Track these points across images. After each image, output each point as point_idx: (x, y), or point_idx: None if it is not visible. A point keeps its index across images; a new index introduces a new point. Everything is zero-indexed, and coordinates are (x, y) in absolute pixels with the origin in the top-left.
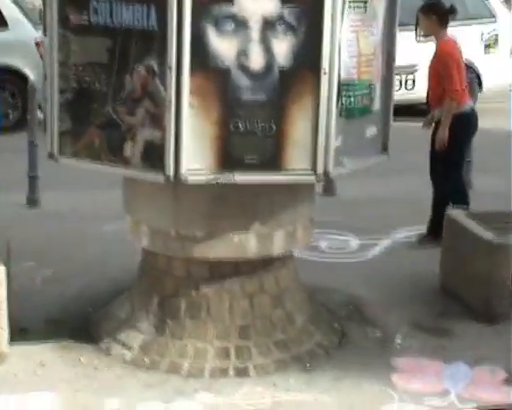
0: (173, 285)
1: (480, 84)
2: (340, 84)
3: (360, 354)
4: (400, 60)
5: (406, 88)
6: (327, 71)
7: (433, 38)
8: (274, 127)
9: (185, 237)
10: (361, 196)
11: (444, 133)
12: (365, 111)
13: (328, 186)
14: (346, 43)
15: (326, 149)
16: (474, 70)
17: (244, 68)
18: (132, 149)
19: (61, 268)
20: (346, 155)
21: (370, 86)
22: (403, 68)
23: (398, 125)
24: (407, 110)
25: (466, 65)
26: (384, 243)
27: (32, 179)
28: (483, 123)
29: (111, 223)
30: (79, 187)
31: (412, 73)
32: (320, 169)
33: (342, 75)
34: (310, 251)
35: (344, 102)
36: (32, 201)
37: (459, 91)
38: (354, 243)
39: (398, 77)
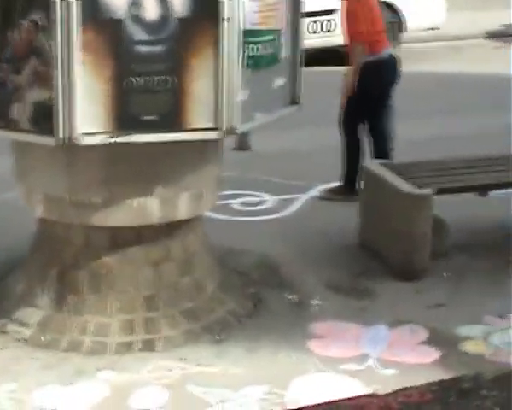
0: (72, 256)
1: (401, 24)
2: (242, 32)
3: (276, 320)
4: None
5: (323, 30)
6: (226, 18)
7: None
8: (172, 82)
9: (82, 204)
10: (277, 150)
11: (351, 79)
12: (272, 60)
13: (242, 141)
14: None
15: (230, 104)
16: (395, 9)
17: (138, 19)
18: (20, 111)
19: None
20: (253, 109)
21: (277, 33)
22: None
23: (315, 71)
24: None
25: (386, 3)
26: (301, 199)
27: None
28: (407, 67)
29: (11, 190)
30: None
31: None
32: (224, 125)
33: (246, 23)
34: (222, 211)
35: (248, 51)
36: None
37: (364, 33)
38: (269, 200)
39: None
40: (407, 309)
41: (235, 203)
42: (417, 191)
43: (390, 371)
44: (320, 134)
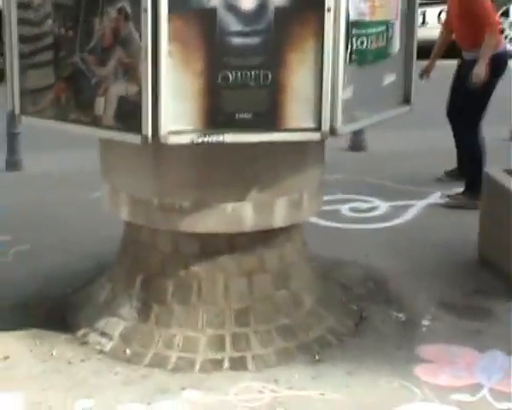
0: (159, 263)
1: None
2: (348, 24)
3: (379, 341)
4: None
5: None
6: (331, 7)
7: None
8: (270, 77)
9: (170, 208)
10: (394, 151)
11: (482, 68)
12: (381, 55)
13: (356, 140)
14: None
15: (333, 102)
16: None
17: (232, 8)
18: (104, 106)
19: (39, 242)
20: (358, 108)
21: (387, 24)
22: None
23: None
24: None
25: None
26: (416, 206)
27: (12, 137)
28: None
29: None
30: (67, 147)
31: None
32: (326, 126)
33: (351, 12)
34: (329, 217)
35: (354, 44)
36: (12, 163)
37: (495, 24)
38: (382, 206)
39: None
40: None
41: (344, 209)
42: None
43: (506, 405)
44: (431, 135)
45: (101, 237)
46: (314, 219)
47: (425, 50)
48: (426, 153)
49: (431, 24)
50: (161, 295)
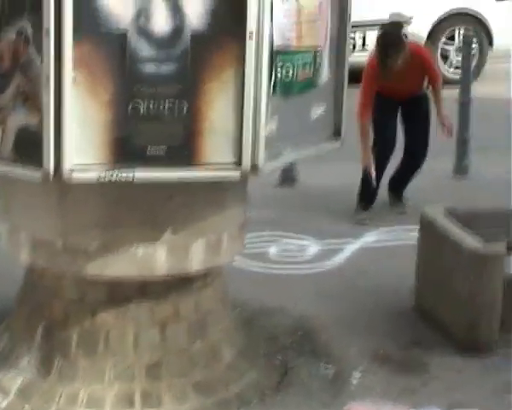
0: (62, 311)
1: (489, 41)
2: (272, 51)
3: (306, 397)
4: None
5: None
6: (254, 34)
7: None
8: (186, 107)
9: (75, 250)
10: (327, 185)
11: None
12: (309, 85)
13: (287, 174)
14: None
15: (254, 137)
16: (482, 21)
17: (145, 32)
18: (2, 138)
19: None
20: (282, 143)
21: (315, 53)
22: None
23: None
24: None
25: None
26: (350, 247)
27: None
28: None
29: None
30: None
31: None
32: (247, 162)
33: (276, 40)
34: (254, 259)
35: (279, 74)
36: None
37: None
38: (313, 246)
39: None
40: (468, 392)
41: (272, 250)
42: (486, 248)
43: None
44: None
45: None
46: (238, 262)
47: None
48: None
49: (372, 47)
50: (65, 346)
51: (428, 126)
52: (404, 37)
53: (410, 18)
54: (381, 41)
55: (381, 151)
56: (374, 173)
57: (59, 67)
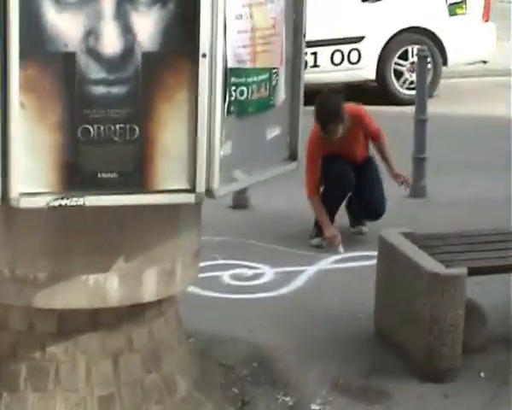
0: (10, 344)
1: (443, 58)
2: (226, 71)
3: None
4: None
5: (350, 61)
6: (207, 53)
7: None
8: (137, 131)
9: (23, 280)
10: (281, 208)
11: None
12: (264, 105)
13: (239, 197)
14: (234, 15)
15: (209, 160)
16: (435, 38)
17: (94, 53)
18: None
19: None
20: (238, 166)
21: (271, 72)
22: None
23: None
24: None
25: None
26: (306, 272)
27: None
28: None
29: None
30: None
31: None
32: (201, 187)
33: (229, 59)
34: (208, 285)
35: (233, 95)
36: None
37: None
38: (268, 272)
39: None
40: None
41: (226, 276)
42: (446, 271)
43: None
44: None
45: None
46: (190, 288)
47: (316, 94)
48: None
49: (323, 66)
50: (13, 380)
51: (381, 184)
52: (342, 105)
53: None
54: (320, 115)
55: (331, 192)
56: (340, 246)
57: (5, 91)
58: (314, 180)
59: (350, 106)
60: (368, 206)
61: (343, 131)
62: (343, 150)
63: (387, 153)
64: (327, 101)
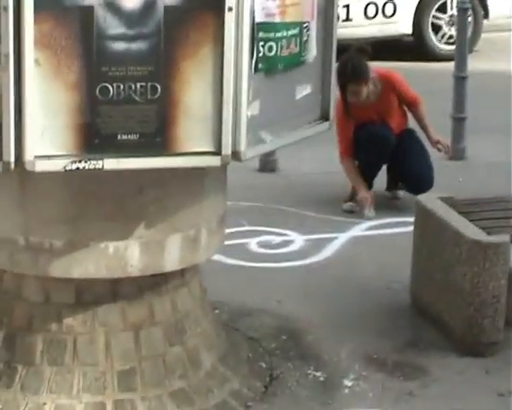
0: (25, 316)
1: (485, 10)
2: (253, 26)
3: (294, 406)
4: None
5: (384, 15)
6: (233, 7)
7: None
8: (159, 90)
9: (38, 248)
10: (311, 172)
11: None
12: (294, 62)
13: (267, 160)
14: None
15: (235, 121)
16: None
17: (113, 6)
18: None
19: None
20: (266, 127)
21: (301, 26)
22: None
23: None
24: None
25: None
26: (338, 240)
27: None
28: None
29: None
30: None
31: None
32: (227, 149)
33: (257, 12)
34: (233, 254)
35: (261, 51)
36: None
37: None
38: (298, 240)
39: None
40: (471, 396)
41: (253, 243)
42: (487, 238)
43: None
44: None
45: None
46: (216, 257)
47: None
48: None
49: (356, 20)
50: (28, 354)
51: (427, 154)
52: (366, 65)
53: None
54: (338, 76)
55: (367, 155)
56: (368, 209)
57: (18, 47)
58: (347, 140)
59: (382, 69)
60: (414, 182)
61: (371, 94)
62: (374, 118)
63: (426, 121)
64: (348, 60)
